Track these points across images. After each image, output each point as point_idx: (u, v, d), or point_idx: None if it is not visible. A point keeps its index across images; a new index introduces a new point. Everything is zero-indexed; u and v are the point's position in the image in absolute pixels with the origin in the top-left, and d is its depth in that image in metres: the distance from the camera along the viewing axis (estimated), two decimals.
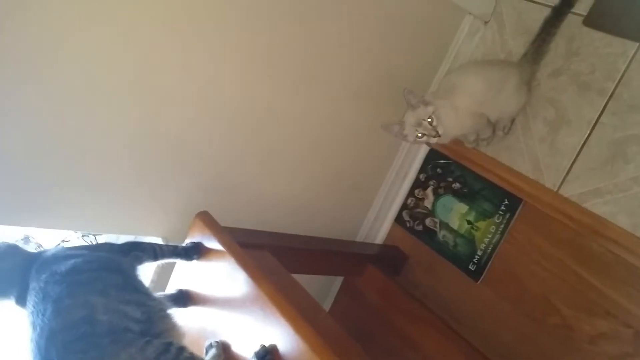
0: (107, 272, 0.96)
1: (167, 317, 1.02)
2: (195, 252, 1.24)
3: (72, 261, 0.94)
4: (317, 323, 1.01)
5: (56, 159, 1.11)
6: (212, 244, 1.22)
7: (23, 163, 1.06)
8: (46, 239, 1.32)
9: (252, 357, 1.00)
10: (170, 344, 0.91)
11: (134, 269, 1.07)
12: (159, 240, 1.36)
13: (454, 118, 1.42)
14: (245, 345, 1.08)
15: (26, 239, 1.31)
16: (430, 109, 1.36)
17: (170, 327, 1.00)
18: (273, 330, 1.03)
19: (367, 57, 1.53)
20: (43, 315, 0.87)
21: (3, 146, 1.03)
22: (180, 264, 1.30)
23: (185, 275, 1.29)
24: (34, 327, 0.87)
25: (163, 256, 1.19)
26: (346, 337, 1.13)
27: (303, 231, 1.66)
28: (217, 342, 1.11)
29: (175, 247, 1.23)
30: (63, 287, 0.89)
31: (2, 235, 1.27)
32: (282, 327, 1.01)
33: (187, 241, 1.28)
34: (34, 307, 0.89)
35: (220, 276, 1.18)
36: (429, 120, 1.36)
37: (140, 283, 1.05)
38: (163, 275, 1.35)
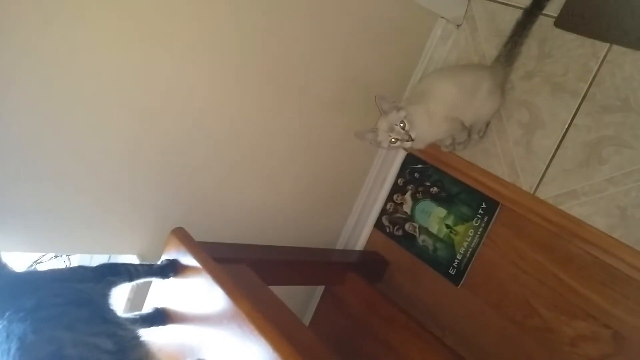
0: (73, 306, 0.93)
1: (140, 345, 0.99)
2: (171, 269, 1.21)
3: (36, 297, 0.91)
4: (296, 340, 1.00)
5: (24, 178, 1.08)
6: (188, 260, 1.19)
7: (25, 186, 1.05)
8: (17, 261, 1.28)
9: None
10: None
11: (106, 297, 1.04)
12: (134, 259, 1.33)
13: (428, 123, 1.41)
14: None
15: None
16: (402, 113, 1.36)
17: (144, 355, 0.98)
18: (252, 348, 1.01)
19: (340, 65, 1.52)
20: (7, 354, 0.84)
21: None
22: (156, 282, 1.27)
23: (162, 293, 1.26)
24: None
25: (138, 276, 1.17)
26: (327, 353, 1.12)
27: (282, 242, 1.64)
28: None
29: (150, 266, 1.20)
30: (27, 324, 0.86)
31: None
32: (260, 345, 1.00)
33: (163, 258, 1.26)
34: None
35: (198, 293, 1.16)
36: (402, 125, 1.35)
37: (111, 312, 1.02)
38: (139, 293, 1.32)
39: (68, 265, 1.18)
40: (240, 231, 1.53)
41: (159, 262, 1.22)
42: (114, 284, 1.09)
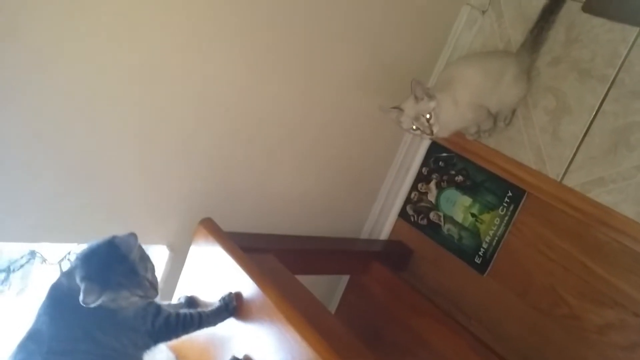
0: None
1: None
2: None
3: (42, 358, 0.89)
4: (324, 328, 1.02)
5: (57, 172, 1.11)
6: (217, 250, 1.22)
7: (24, 177, 1.07)
8: (52, 252, 1.32)
9: None
10: None
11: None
12: (164, 249, 1.36)
13: (453, 111, 1.40)
14: (254, 352, 1.08)
15: (32, 253, 1.32)
16: (432, 104, 1.34)
17: None
18: (280, 337, 1.03)
19: (366, 50, 1.52)
20: None
21: (3, 161, 1.03)
22: (185, 273, 1.30)
23: (191, 283, 1.29)
24: None
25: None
26: (354, 340, 1.14)
27: (307, 231, 1.66)
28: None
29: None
30: None
31: (8, 251, 1.29)
32: (289, 333, 1.02)
33: (192, 248, 1.28)
34: None
35: (226, 283, 1.18)
36: (428, 117, 1.35)
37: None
38: (169, 283, 1.36)
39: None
40: (267, 221, 1.55)
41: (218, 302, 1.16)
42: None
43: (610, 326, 1.37)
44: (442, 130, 1.43)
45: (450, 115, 1.41)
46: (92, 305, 0.89)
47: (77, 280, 0.90)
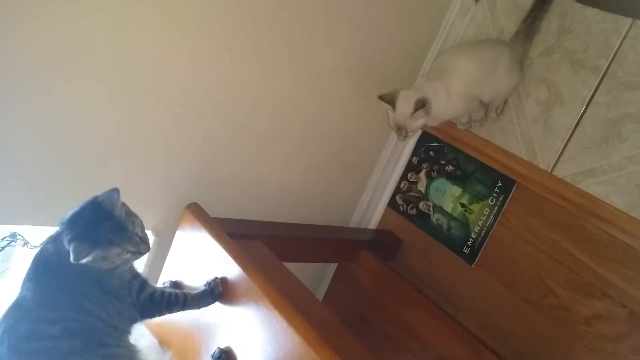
0: (65, 339, 0.89)
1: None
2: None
3: (33, 320, 0.88)
4: (310, 314, 1.00)
5: (39, 154, 1.08)
6: (203, 235, 1.20)
7: (5, 159, 1.03)
8: (34, 235, 1.29)
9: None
10: None
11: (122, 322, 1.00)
12: (149, 234, 1.34)
13: (446, 102, 1.40)
14: (241, 339, 1.07)
15: (13, 235, 1.29)
16: (420, 122, 1.38)
17: None
18: (266, 322, 1.02)
19: (358, 38, 1.50)
20: None
21: None
22: (170, 258, 1.28)
23: (176, 268, 1.27)
24: None
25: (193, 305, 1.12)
26: (340, 327, 1.12)
27: (295, 219, 1.64)
28: (222, 351, 1.09)
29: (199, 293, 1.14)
30: (14, 357, 0.85)
31: None
32: (275, 319, 1.00)
33: (178, 233, 1.26)
34: None
35: (212, 269, 1.16)
36: (410, 133, 1.41)
37: (113, 334, 0.97)
38: (154, 268, 1.33)
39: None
40: (255, 208, 1.53)
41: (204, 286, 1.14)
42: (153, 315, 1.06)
43: (598, 317, 1.37)
44: (432, 120, 1.42)
45: (443, 105, 1.40)
46: (84, 262, 0.87)
47: (66, 243, 0.88)
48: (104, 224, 0.90)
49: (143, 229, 0.98)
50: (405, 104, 1.35)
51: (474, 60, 1.42)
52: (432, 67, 1.51)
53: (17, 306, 0.90)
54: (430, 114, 1.36)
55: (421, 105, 1.33)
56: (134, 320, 1.01)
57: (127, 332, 1.00)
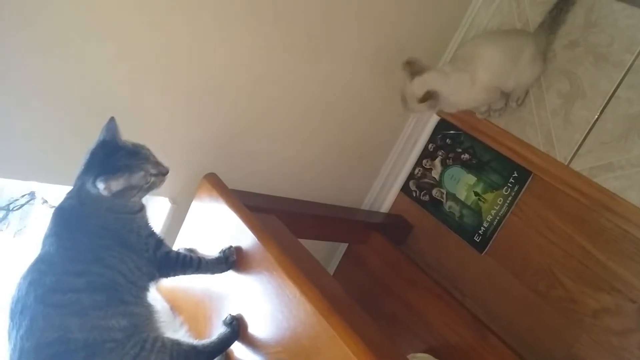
0: (89, 292, 0.90)
1: (154, 321, 1.01)
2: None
3: (57, 273, 0.90)
4: (323, 286, 1.01)
5: (63, 114, 1.09)
6: (219, 205, 1.21)
7: (30, 115, 1.05)
8: (52, 194, 1.31)
9: (222, 326, 1.08)
10: (145, 340, 0.94)
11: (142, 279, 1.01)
12: (166, 202, 1.35)
13: (468, 91, 1.40)
14: (252, 307, 1.08)
15: (32, 194, 1.31)
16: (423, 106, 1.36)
17: (157, 327, 1.01)
18: (279, 292, 1.03)
19: (380, 24, 1.50)
20: (17, 330, 0.86)
21: (11, 99, 1.01)
22: (186, 225, 1.30)
23: (191, 236, 1.28)
24: (9, 339, 0.88)
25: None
26: (351, 301, 1.13)
27: (309, 197, 1.65)
28: (234, 318, 1.10)
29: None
30: (40, 307, 0.87)
31: (7, 189, 1.27)
32: (288, 288, 1.01)
33: (194, 203, 1.28)
34: (11, 315, 0.88)
35: (227, 238, 1.17)
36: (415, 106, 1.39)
37: (133, 291, 0.98)
38: (168, 236, 1.35)
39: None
40: (270, 183, 1.54)
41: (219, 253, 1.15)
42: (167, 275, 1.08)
43: (606, 311, 1.38)
44: (450, 107, 1.44)
45: (465, 95, 1.41)
46: (116, 191, 0.91)
47: (91, 186, 0.91)
48: (116, 154, 0.94)
49: (153, 154, 1.01)
50: (418, 87, 1.35)
51: (501, 49, 1.42)
52: (459, 55, 1.50)
53: (41, 260, 0.92)
54: (435, 107, 1.36)
55: (428, 97, 1.33)
56: (152, 277, 1.03)
57: (146, 289, 1.02)
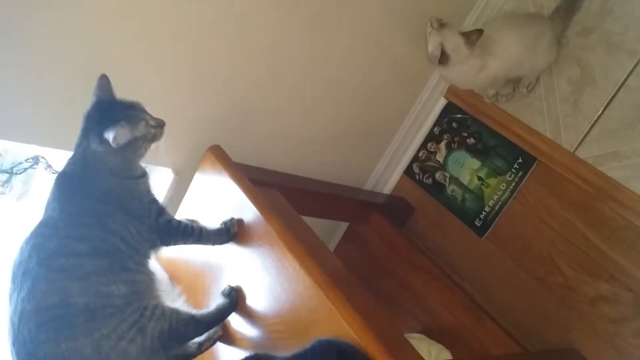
0: (92, 257, 0.91)
1: (154, 290, 1.01)
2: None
3: (60, 236, 0.90)
4: (323, 260, 1.02)
5: (70, 81, 1.08)
6: (223, 178, 1.21)
7: (37, 81, 1.04)
8: (57, 159, 1.31)
9: (220, 297, 1.08)
10: (145, 307, 0.94)
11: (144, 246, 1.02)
12: (169, 172, 1.35)
13: (474, 76, 1.41)
14: (251, 280, 1.09)
15: (35, 158, 1.31)
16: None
17: (157, 296, 1.01)
18: (279, 265, 1.03)
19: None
20: (19, 292, 0.86)
21: (16, 62, 1.00)
22: (188, 196, 1.30)
23: (193, 208, 1.28)
24: (10, 301, 0.88)
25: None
26: (351, 276, 1.14)
27: (312, 174, 1.65)
28: (232, 289, 1.10)
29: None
30: (43, 271, 0.87)
31: (11, 152, 1.27)
32: (288, 262, 1.01)
33: (197, 175, 1.27)
34: (12, 278, 0.88)
35: (229, 211, 1.17)
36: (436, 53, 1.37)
37: (135, 258, 0.99)
38: (170, 207, 1.34)
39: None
40: (274, 159, 1.53)
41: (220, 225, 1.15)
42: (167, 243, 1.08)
43: (603, 299, 1.38)
44: (460, 83, 1.51)
45: (468, 77, 1.42)
46: (122, 143, 0.92)
47: (97, 145, 0.92)
48: (114, 108, 0.95)
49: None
50: (438, 43, 1.35)
51: (520, 38, 1.40)
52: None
53: (44, 225, 0.92)
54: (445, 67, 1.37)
55: (443, 61, 1.35)
56: (154, 245, 1.03)
57: (147, 256, 1.02)
